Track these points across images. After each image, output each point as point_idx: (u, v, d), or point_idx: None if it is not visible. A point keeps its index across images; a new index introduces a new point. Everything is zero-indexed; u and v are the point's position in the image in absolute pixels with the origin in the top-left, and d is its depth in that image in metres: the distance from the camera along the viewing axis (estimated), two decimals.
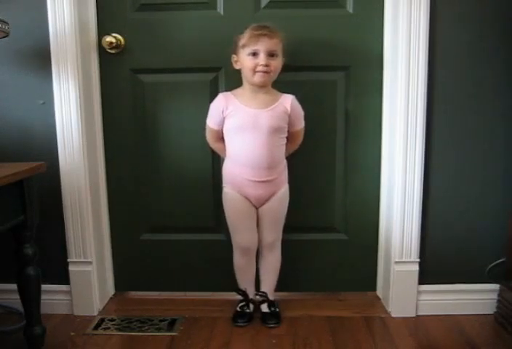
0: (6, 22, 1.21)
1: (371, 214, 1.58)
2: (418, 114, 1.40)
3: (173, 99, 1.54)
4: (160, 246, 1.64)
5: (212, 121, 1.41)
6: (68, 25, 1.38)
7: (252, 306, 1.49)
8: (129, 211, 1.62)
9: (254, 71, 1.31)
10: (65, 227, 1.49)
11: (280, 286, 1.53)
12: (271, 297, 1.49)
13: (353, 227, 1.60)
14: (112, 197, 1.61)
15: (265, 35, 1.29)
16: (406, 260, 1.48)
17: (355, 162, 1.56)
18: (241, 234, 1.44)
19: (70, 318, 1.51)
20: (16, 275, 1.19)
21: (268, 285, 1.50)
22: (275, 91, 1.39)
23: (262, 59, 1.29)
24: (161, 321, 1.48)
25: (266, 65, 1.30)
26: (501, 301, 1.46)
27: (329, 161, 1.56)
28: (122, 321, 1.49)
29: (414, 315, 1.50)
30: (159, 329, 1.43)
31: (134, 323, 1.47)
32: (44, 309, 1.28)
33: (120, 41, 1.48)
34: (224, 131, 1.39)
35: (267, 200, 1.41)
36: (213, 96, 1.51)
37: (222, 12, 1.48)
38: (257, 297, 1.50)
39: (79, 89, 1.42)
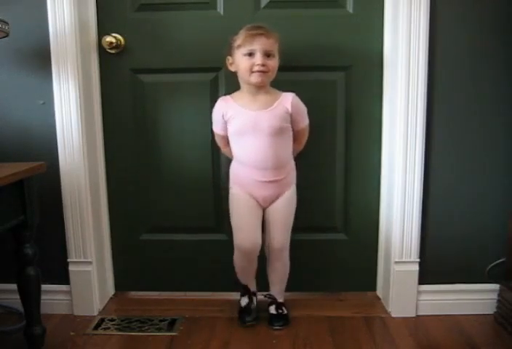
0: (6, 22, 1.21)
1: (371, 214, 1.58)
2: (418, 114, 1.40)
3: (173, 99, 1.54)
4: (160, 246, 1.64)
5: (216, 127, 1.42)
6: (68, 25, 1.38)
7: (254, 299, 1.48)
8: (129, 211, 1.62)
9: (251, 71, 1.29)
10: (65, 227, 1.49)
11: None
12: (280, 299, 1.49)
13: (353, 227, 1.60)
14: (112, 197, 1.61)
15: (261, 34, 1.27)
16: (406, 260, 1.48)
17: (355, 162, 1.56)
18: (244, 234, 1.40)
19: (70, 318, 1.51)
20: (16, 275, 1.19)
21: (277, 289, 1.49)
22: (274, 91, 1.37)
23: (258, 58, 1.28)
24: (161, 321, 1.48)
25: (263, 65, 1.28)
26: (501, 301, 1.46)
27: (329, 161, 1.56)
28: (122, 320, 1.49)
29: (414, 315, 1.50)
30: (159, 329, 1.43)
31: (134, 323, 1.47)
32: (44, 309, 1.28)
33: (120, 41, 1.48)
34: (228, 135, 1.39)
35: (273, 200, 1.39)
36: (213, 96, 1.51)
37: (222, 12, 1.48)
38: (268, 298, 1.50)
39: (79, 89, 1.42)
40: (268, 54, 1.29)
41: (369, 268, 1.62)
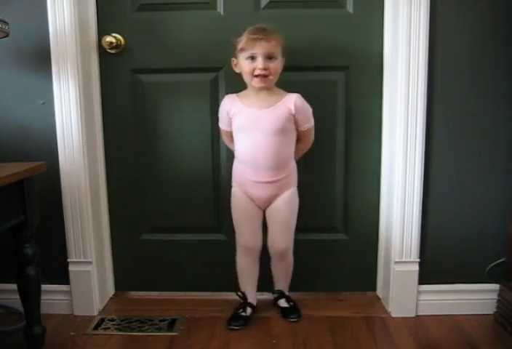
0: (6, 22, 1.21)
1: (371, 214, 1.58)
2: (418, 114, 1.40)
3: (173, 99, 1.54)
4: (160, 246, 1.64)
5: (222, 123, 1.44)
6: (68, 25, 1.38)
7: (249, 310, 1.47)
8: (129, 211, 1.62)
9: (253, 75, 1.31)
10: (65, 227, 1.49)
11: None
12: (286, 293, 1.51)
13: (353, 227, 1.60)
14: (112, 197, 1.61)
15: (261, 39, 1.28)
16: (406, 260, 1.48)
17: (355, 162, 1.56)
18: (244, 235, 1.44)
19: (70, 318, 1.51)
20: (16, 275, 1.19)
21: (282, 285, 1.51)
22: (279, 91, 1.38)
23: (260, 63, 1.29)
24: (161, 321, 1.48)
25: (264, 69, 1.29)
26: (501, 301, 1.46)
27: (329, 161, 1.56)
28: (122, 320, 1.49)
29: (414, 315, 1.49)
30: (159, 329, 1.43)
31: (134, 323, 1.47)
32: (44, 309, 1.28)
33: (120, 41, 1.48)
34: (232, 131, 1.41)
35: (271, 201, 1.40)
36: (213, 96, 1.52)
37: (222, 12, 1.48)
38: (274, 294, 1.52)
39: (79, 89, 1.42)
40: (269, 57, 1.30)
41: (369, 268, 1.62)
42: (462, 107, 1.42)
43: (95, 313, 1.53)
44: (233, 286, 1.53)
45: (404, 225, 1.46)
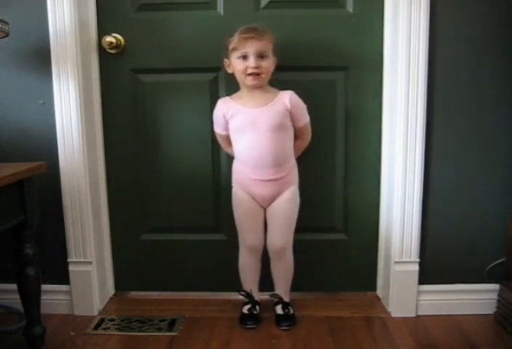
0: (6, 22, 1.21)
1: (371, 214, 1.58)
2: (418, 114, 1.40)
3: (173, 99, 1.54)
4: (160, 246, 1.64)
5: (217, 127, 1.44)
6: (67, 24, 1.38)
7: (258, 307, 1.48)
8: (129, 211, 1.62)
9: (246, 74, 1.32)
10: (65, 227, 1.49)
11: None
12: (286, 299, 1.49)
13: (353, 227, 1.60)
14: (112, 197, 1.61)
15: (252, 37, 1.29)
16: (406, 260, 1.48)
17: (355, 162, 1.56)
18: (247, 233, 1.44)
19: (70, 318, 1.51)
20: (16, 275, 1.19)
21: (282, 289, 1.50)
22: (273, 89, 1.39)
23: (251, 61, 1.30)
24: (161, 321, 1.48)
25: (256, 67, 1.30)
26: (501, 301, 1.46)
27: (329, 161, 1.56)
28: (122, 320, 1.49)
29: (414, 315, 1.50)
30: (159, 329, 1.43)
31: (134, 323, 1.47)
32: (44, 309, 1.28)
33: (120, 41, 1.48)
34: (230, 133, 1.41)
35: (273, 200, 1.40)
36: (213, 96, 1.51)
37: (222, 12, 1.48)
38: (272, 298, 1.50)
39: (79, 89, 1.42)
40: (261, 56, 1.31)
41: (369, 268, 1.62)
42: (462, 107, 1.42)
43: (95, 313, 1.53)
44: (233, 286, 1.53)
45: (404, 225, 1.46)
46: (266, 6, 1.48)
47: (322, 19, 1.47)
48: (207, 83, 1.53)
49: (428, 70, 1.38)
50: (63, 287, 1.53)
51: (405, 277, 1.48)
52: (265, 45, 1.31)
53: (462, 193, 1.47)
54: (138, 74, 1.53)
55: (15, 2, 1.39)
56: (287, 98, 1.35)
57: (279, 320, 1.45)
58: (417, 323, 1.46)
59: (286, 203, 1.41)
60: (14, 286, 1.19)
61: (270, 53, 1.33)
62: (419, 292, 1.49)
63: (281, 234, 1.43)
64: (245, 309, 1.48)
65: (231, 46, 1.33)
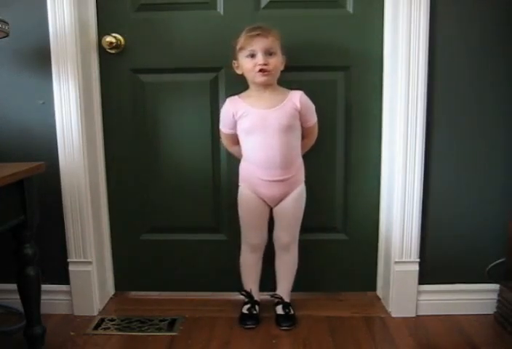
0: (6, 22, 1.21)
1: (371, 214, 1.58)
2: (418, 114, 1.40)
3: (173, 99, 1.54)
4: (160, 246, 1.64)
5: (224, 127, 1.43)
6: (68, 24, 1.38)
7: (257, 308, 1.48)
8: (129, 211, 1.62)
9: (255, 72, 1.32)
10: (65, 227, 1.49)
11: None
12: (287, 299, 1.49)
13: (353, 227, 1.60)
14: (112, 197, 1.61)
15: (259, 35, 1.30)
16: (406, 260, 1.48)
17: (355, 162, 1.56)
18: (252, 232, 1.46)
19: (70, 318, 1.51)
20: (16, 275, 1.18)
21: (284, 287, 1.50)
22: (282, 89, 1.39)
23: (260, 58, 1.31)
24: (161, 321, 1.48)
25: (265, 64, 1.30)
26: (501, 301, 1.46)
27: (329, 161, 1.56)
28: (122, 320, 1.49)
29: (414, 315, 1.50)
30: (159, 329, 1.43)
31: (134, 323, 1.47)
32: (44, 309, 1.28)
33: (120, 41, 1.48)
34: (238, 133, 1.41)
35: (281, 199, 1.41)
36: (213, 96, 1.52)
37: (222, 12, 1.48)
38: (274, 298, 1.49)
39: (79, 89, 1.42)
40: (269, 53, 1.31)
41: (369, 268, 1.62)
42: (462, 107, 1.42)
43: (95, 313, 1.53)
44: (233, 286, 1.53)
45: (404, 225, 1.46)
46: (266, 6, 1.48)
47: (322, 20, 1.48)
48: (207, 83, 1.53)
49: (428, 70, 1.38)
50: (63, 287, 1.53)
51: (405, 277, 1.48)
52: (272, 42, 1.32)
53: (462, 193, 1.47)
54: (138, 74, 1.53)
55: (15, 2, 1.39)
56: (297, 99, 1.36)
57: (279, 320, 1.45)
58: (417, 323, 1.46)
59: (294, 203, 1.42)
60: (14, 286, 1.19)
61: (277, 50, 1.33)
62: (419, 292, 1.49)
63: (289, 231, 1.45)
64: (245, 309, 1.48)
65: (238, 45, 1.34)
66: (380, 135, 1.53)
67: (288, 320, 1.44)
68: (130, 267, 1.66)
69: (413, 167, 1.43)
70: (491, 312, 1.49)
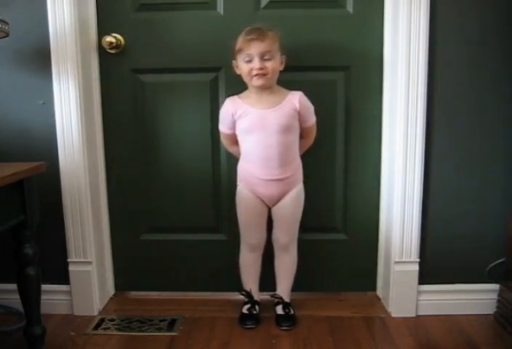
0: (6, 22, 1.21)
1: (371, 214, 1.58)
2: (418, 114, 1.40)
3: (173, 99, 1.54)
4: (160, 246, 1.64)
5: (223, 126, 1.43)
6: (68, 24, 1.38)
7: (257, 307, 1.48)
8: (129, 211, 1.62)
9: (251, 76, 1.32)
10: (65, 227, 1.49)
11: None
12: (287, 299, 1.49)
13: (353, 227, 1.60)
14: (112, 197, 1.61)
15: (255, 39, 1.30)
16: (406, 260, 1.48)
17: (355, 162, 1.56)
18: (250, 232, 1.45)
19: (70, 318, 1.51)
20: (16, 275, 1.18)
21: (284, 287, 1.49)
22: (281, 90, 1.39)
23: (256, 63, 1.30)
24: (161, 321, 1.48)
25: (261, 69, 1.30)
26: (501, 301, 1.46)
27: (329, 161, 1.56)
28: (122, 320, 1.49)
29: (414, 315, 1.50)
30: (159, 329, 1.43)
31: (134, 323, 1.47)
32: (44, 309, 1.28)
33: (120, 41, 1.48)
34: (237, 133, 1.41)
35: (279, 199, 1.41)
36: (213, 96, 1.52)
37: (222, 12, 1.48)
38: (274, 298, 1.49)
39: (79, 89, 1.42)
40: (266, 57, 1.31)
41: (369, 268, 1.62)
42: (462, 108, 1.42)
43: (95, 313, 1.53)
44: (233, 286, 1.53)
45: (404, 225, 1.46)
46: (266, 6, 1.48)
47: (322, 19, 1.48)
48: (207, 83, 1.53)
49: (428, 70, 1.38)
50: (63, 287, 1.53)
51: (405, 277, 1.48)
52: (269, 45, 1.31)
53: (462, 193, 1.47)
54: (138, 74, 1.53)
55: (15, 2, 1.39)
56: (296, 99, 1.36)
57: (279, 320, 1.45)
58: (417, 323, 1.46)
59: (292, 202, 1.42)
60: (14, 286, 1.19)
61: (275, 53, 1.32)
62: (419, 292, 1.49)
63: (287, 231, 1.45)
64: (244, 309, 1.48)
65: (236, 47, 1.34)
66: (379, 135, 1.53)
67: (288, 320, 1.44)
68: (130, 267, 1.66)
69: (413, 167, 1.43)
70: (491, 312, 1.49)
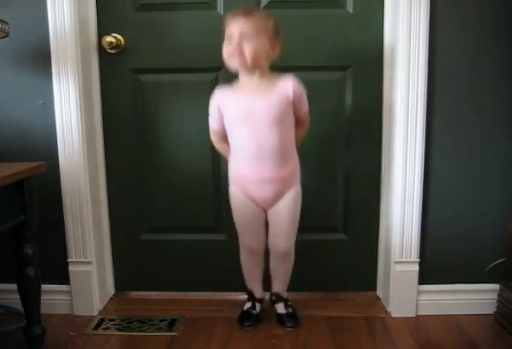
0: (6, 22, 1.21)
1: (371, 214, 1.58)
2: (418, 114, 1.40)
3: (173, 99, 1.54)
4: (160, 246, 1.64)
5: (212, 120, 1.36)
6: (67, 25, 1.38)
7: (258, 306, 1.46)
8: (129, 211, 1.62)
9: (229, 56, 1.23)
10: (65, 227, 1.49)
11: None
12: (284, 295, 1.46)
13: (353, 228, 1.60)
14: (112, 197, 1.61)
15: (238, 16, 1.20)
16: (406, 260, 1.48)
17: (355, 162, 1.56)
18: (245, 235, 1.40)
19: (70, 318, 1.51)
20: (16, 275, 1.18)
21: (280, 285, 1.46)
22: (272, 76, 1.28)
23: (233, 41, 1.20)
24: (161, 321, 1.48)
25: (238, 49, 1.19)
26: (501, 301, 1.46)
27: (329, 161, 1.56)
28: (122, 320, 1.49)
29: (414, 315, 1.50)
30: (159, 329, 1.43)
31: (134, 323, 1.47)
32: (44, 309, 1.28)
33: (120, 41, 1.48)
34: (225, 127, 1.32)
35: (275, 202, 1.33)
36: None
37: (222, 12, 1.48)
38: (271, 297, 1.48)
39: (79, 89, 1.42)
40: (247, 38, 1.20)
41: (369, 268, 1.62)
42: (462, 107, 1.42)
43: (95, 313, 1.53)
44: (233, 286, 1.53)
45: (404, 225, 1.46)
46: (266, 6, 1.49)
47: (322, 20, 1.48)
48: (207, 83, 1.53)
49: (428, 70, 1.38)
50: (63, 287, 1.53)
51: (405, 277, 1.48)
52: (253, 25, 1.20)
53: (462, 193, 1.47)
54: (138, 74, 1.53)
55: (15, 2, 1.39)
56: (290, 88, 1.24)
57: (283, 319, 1.43)
58: (417, 323, 1.46)
59: (289, 206, 1.33)
60: (14, 286, 1.19)
61: (261, 34, 1.21)
62: (419, 292, 1.49)
63: (285, 237, 1.37)
64: (245, 307, 1.47)
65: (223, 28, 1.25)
66: (379, 135, 1.53)
67: (292, 319, 1.43)
68: (130, 267, 1.66)
69: (413, 167, 1.43)
70: (491, 312, 1.49)
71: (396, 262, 1.48)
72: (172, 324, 1.46)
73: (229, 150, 1.36)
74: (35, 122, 1.45)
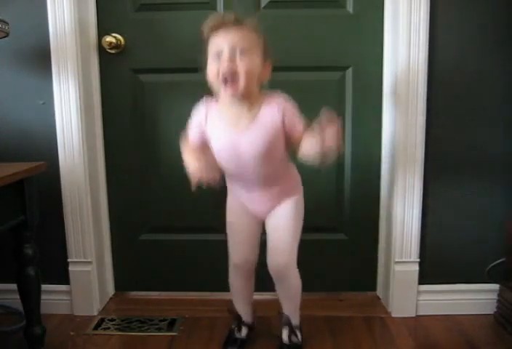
0: (6, 22, 1.21)
1: (371, 214, 1.58)
2: (418, 114, 1.40)
3: (173, 99, 1.54)
4: (160, 246, 1.64)
5: (191, 133, 1.17)
6: (68, 24, 1.38)
7: (244, 330, 1.32)
8: (129, 211, 1.62)
9: (219, 80, 1.02)
10: (65, 227, 1.49)
11: None
12: (294, 320, 1.28)
13: (353, 227, 1.60)
14: (112, 197, 1.61)
15: (228, 26, 0.99)
16: (406, 260, 1.48)
17: (355, 162, 1.56)
18: (236, 247, 1.25)
19: (70, 318, 1.51)
20: (16, 275, 1.19)
21: (287, 308, 1.29)
22: (259, 98, 1.09)
23: (224, 58, 0.99)
24: (161, 321, 1.48)
25: (231, 68, 0.99)
26: (501, 301, 1.46)
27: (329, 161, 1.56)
28: (122, 320, 1.49)
29: (414, 315, 1.50)
30: (159, 329, 1.43)
31: (134, 323, 1.47)
32: (44, 309, 1.28)
33: (120, 41, 1.48)
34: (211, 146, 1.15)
35: (269, 213, 1.20)
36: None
37: (222, 12, 1.48)
38: (279, 314, 1.32)
39: (79, 89, 1.42)
40: (239, 52, 1.00)
41: (369, 268, 1.62)
42: (463, 108, 1.42)
43: (95, 313, 1.53)
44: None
45: (404, 225, 1.46)
46: (266, 6, 1.48)
47: (322, 19, 1.48)
48: (207, 83, 1.52)
49: (428, 70, 1.38)
50: (63, 287, 1.53)
51: (405, 277, 1.49)
52: (246, 39, 1.00)
53: (462, 193, 1.47)
54: (138, 74, 1.53)
55: (15, 2, 1.39)
56: (276, 111, 1.06)
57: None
58: (417, 323, 1.46)
59: (288, 217, 1.18)
60: (14, 286, 1.19)
61: (253, 51, 1.02)
62: (419, 292, 1.49)
63: (283, 253, 1.19)
64: (231, 330, 1.34)
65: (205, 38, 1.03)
66: (380, 135, 1.53)
67: None
68: (130, 267, 1.66)
69: (413, 167, 1.43)
70: (491, 312, 1.49)
71: (396, 262, 1.48)
72: (171, 324, 1.46)
73: (204, 158, 1.12)
74: (35, 122, 1.45)
